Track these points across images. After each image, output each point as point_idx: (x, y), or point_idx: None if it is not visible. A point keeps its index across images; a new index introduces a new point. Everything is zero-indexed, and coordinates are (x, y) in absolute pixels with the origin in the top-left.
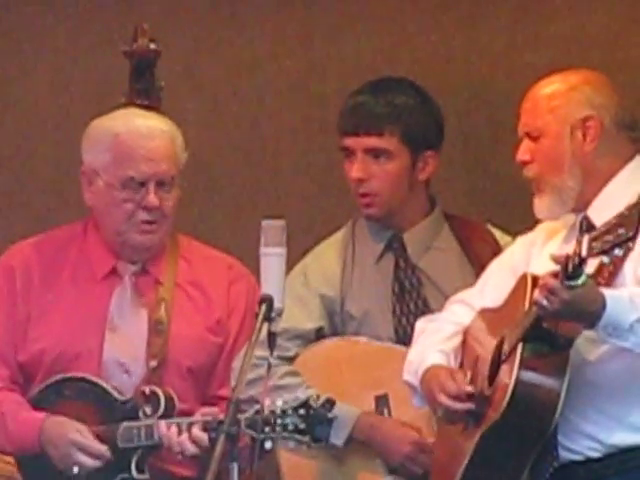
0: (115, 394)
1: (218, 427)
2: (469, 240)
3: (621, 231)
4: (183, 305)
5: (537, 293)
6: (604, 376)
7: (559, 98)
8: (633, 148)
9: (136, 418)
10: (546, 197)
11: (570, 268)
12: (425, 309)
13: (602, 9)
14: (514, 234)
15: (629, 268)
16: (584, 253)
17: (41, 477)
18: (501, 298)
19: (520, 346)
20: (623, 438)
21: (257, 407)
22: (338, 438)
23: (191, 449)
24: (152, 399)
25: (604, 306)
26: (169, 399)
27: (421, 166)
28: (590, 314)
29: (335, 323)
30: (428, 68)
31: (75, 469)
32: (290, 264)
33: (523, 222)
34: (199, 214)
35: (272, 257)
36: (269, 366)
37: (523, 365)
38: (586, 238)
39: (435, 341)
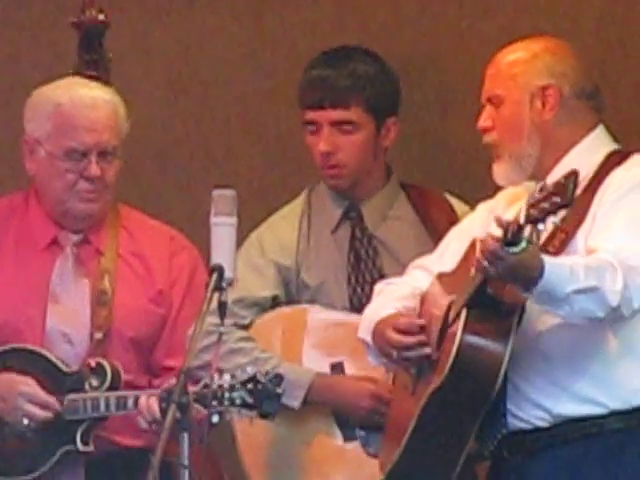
0: (61, 366)
1: (168, 397)
2: (426, 209)
3: (556, 199)
4: (125, 276)
5: (479, 255)
6: (554, 346)
7: (520, 66)
8: (595, 117)
9: (82, 390)
10: (504, 164)
11: (509, 235)
12: (380, 279)
13: None
14: (469, 202)
15: (581, 238)
16: (521, 220)
17: None
18: None
19: (465, 311)
20: (570, 408)
21: (205, 381)
22: (294, 400)
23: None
24: (98, 371)
25: (542, 273)
26: (115, 371)
27: (384, 133)
28: (527, 280)
29: (291, 292)
30: (379, 37)
31: (25, 421)
32: (240, 234)
33: (475, 190)
34: (150, 185)
35: (223, 227)
36: (220, 336)
37: (467, 330)
38: (524, 205)
39: (390, 299)
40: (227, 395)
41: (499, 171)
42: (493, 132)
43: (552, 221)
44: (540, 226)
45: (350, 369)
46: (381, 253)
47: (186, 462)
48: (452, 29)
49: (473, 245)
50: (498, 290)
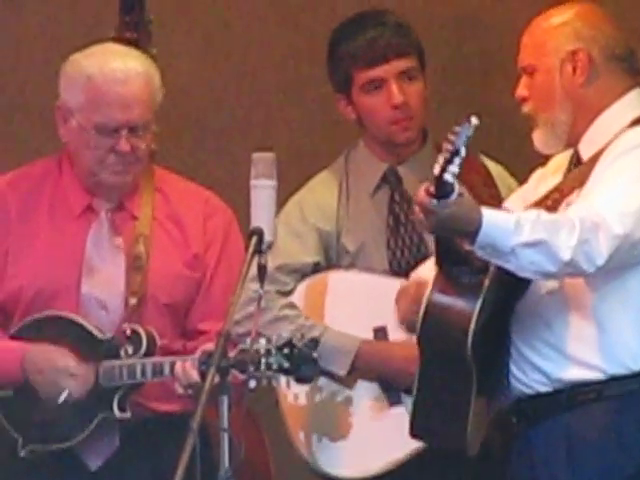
0: (96, 333)
1: (208, 360)
2: (462, 171)
3: (447, 146)
4: (161, 240)
5: (415, 209)
6: (552, 309)
7: (550, 33)
8: (630, 80)
9: (117, 357)
10: (541, 131)
11: (434, 187)
12: (420, 243)
13: None
14: (506, 166)
15: (574, 199)
16: (436, 172)
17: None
18: None
19: (436, 269)
20: (569, 373)
21: (242, 346)
22: (341, 368)
23: (196, 376)
24: (133, 338)
25: (479, 227)
26: (150, 338)
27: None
28: (467, 233)
29: (331, 257)
30: (417, 1)
31: (62, 396)
32: (279, 197)
33: (513, 154)
34: (190, 147)
35: (262, 189)
36: (259, 298)
37: (435, 288)
38: (440, 157)
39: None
40: (264, 360)
41: (537, 138)
42: (530, 101)
43: (453, 171)
44: (447, 177)
45: (393, 333)
46: None
47: (225, 425)
48: None
49: None
50: (467, 247)
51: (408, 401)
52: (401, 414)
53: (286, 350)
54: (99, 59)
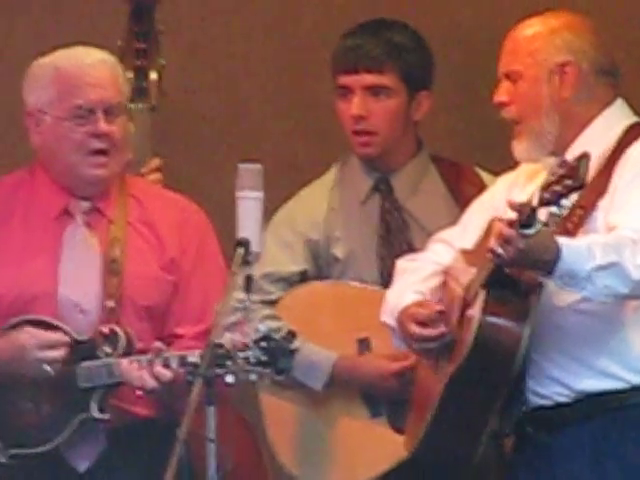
0: (74, 334)
1: (195, 370)
2: (456, 182)
3: (568, 182)
4: (136, 244)
5: (492, 241)
6: (572, 321)
7: (538, 41)
8: (612, 93)
9: (95, 358)
10: (524, 140)
11: (524, 217)
12: (410, 252)
13: None
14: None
15: (600, 214)
16: (535, 203)
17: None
18: None
19: (483, 292)
20: (591, 384)
21: (218, 341)
22: (318, 382)
23: (150, 383)
24: (111, 338)
25: (559, 255)
26: (129, 338)
27: (416, 106)
28: (545, 262)
29: (320, 266)
30: (408, 10)
31: (47, 368)
32: (268, 208)
33: (505, 164)
34: (176, 159)
35: (248, 201)
36: (245, 309)
37: (486, 311)
38: (537, 188)
39: (413, 281)
40: (241, 354)
41: (519, 147)
42: (511, 107)
43: (565, 204)
44: (553, 209)
45: (377, 345)
46: (411, 226)
47: (212, 436)
48: (485, 2)
49: (490, 224)
50: (516, 270)
51: (390, 411)
52: (382, 426)
53: (263, 343)
54: (63, 54)
